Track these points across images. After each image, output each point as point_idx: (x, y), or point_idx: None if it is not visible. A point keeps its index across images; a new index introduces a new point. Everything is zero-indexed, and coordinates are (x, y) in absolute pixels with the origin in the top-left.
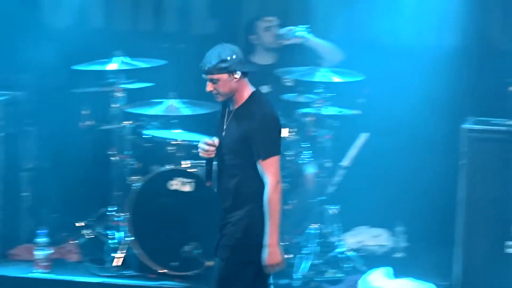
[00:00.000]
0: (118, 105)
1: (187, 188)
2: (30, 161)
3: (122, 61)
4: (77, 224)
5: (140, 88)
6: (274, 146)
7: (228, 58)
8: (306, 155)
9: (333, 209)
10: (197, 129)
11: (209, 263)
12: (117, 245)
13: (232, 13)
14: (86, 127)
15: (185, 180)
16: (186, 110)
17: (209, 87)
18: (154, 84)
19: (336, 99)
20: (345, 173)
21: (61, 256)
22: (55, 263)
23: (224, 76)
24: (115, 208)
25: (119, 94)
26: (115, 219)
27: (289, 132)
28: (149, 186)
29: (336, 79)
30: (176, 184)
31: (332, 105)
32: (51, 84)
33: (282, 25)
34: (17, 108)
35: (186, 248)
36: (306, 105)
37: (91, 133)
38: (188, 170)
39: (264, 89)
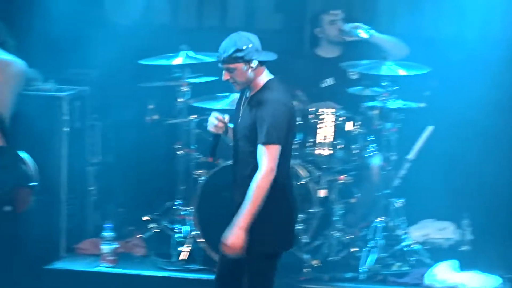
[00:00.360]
0: (183, 99)
1: None
2: (96, 156)
3: (187, 55)
4: (143, 218)
5: (205, 82)
6: (276, 134)
7: (244, 47)
8: (371, 148)
9: (398, 202)
10: None
11: None
12: (183, 239)
13: (298, 7)
14: (152, 121)
15: None
16: None
17: (226, 76)
18: (219, 78)
19: (402, 92)
20: (411, 166)
21: (127, 250)
22: (121, 257)
23: (240, 65)
24: (181, 202)
25: (185, 88)
26: (181, 213)
27: (354, 125)
28: (214, 180)
29: (402, 72)
30: None
31: (398, 98)
32: (117, 79)
33: (347, 19)
34: (83, 102)
35: None
36: (372, 98)
37: (157, 127)
38: None
39: (328, 81)
